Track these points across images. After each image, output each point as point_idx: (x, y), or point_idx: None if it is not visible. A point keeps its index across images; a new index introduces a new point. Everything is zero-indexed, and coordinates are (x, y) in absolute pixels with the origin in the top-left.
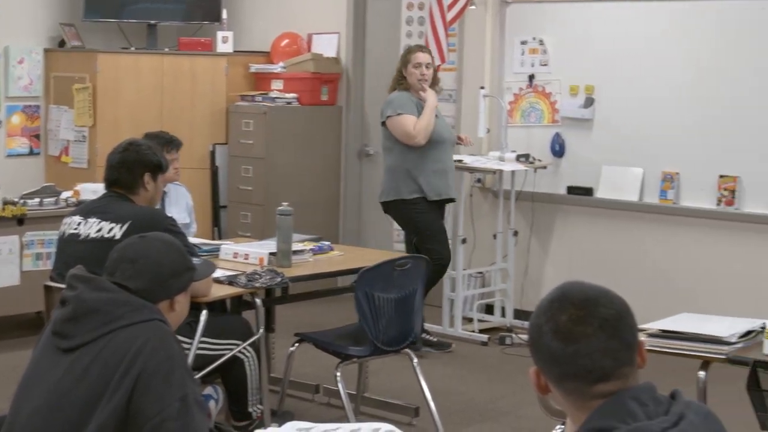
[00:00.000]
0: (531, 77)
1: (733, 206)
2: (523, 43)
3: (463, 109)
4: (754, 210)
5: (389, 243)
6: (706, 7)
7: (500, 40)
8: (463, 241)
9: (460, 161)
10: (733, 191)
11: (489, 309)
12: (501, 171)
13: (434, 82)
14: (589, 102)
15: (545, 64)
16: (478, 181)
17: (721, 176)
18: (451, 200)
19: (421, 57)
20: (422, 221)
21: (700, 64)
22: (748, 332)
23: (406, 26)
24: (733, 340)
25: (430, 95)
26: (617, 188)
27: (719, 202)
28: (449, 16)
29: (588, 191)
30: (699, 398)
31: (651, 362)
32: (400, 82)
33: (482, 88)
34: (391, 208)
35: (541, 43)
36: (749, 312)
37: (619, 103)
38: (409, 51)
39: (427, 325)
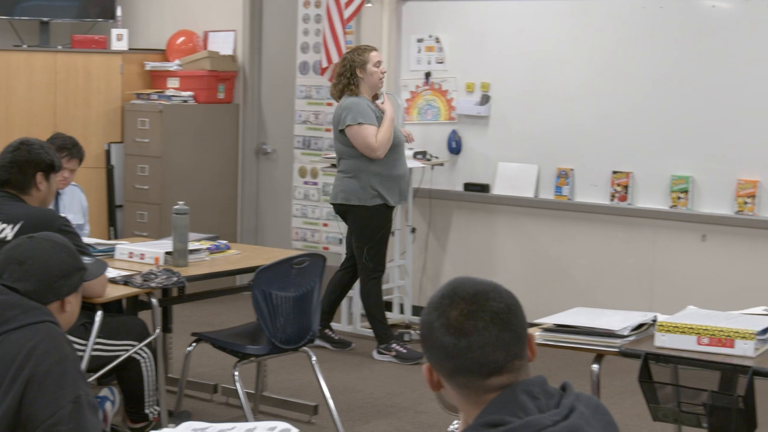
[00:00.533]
0: (427, 75)
1: (626, 202)
2: (420, 40)
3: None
4: (646, 205)
5: (287, 241)
6: (600, 7)
7: (397, 37)
8: None
9: None
10: (626, 187)
11: (388, 306)
12: None
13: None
14: (485, 99)
15: (441, 62)
16: None
17: (615, 172)
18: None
19: (378, 55)
20: (378, 228)
21: (594, 62)
22: (640, 325)
23: (303, 24)
24: (626, 333)
25: (388, 106)
26: (513, 185)
27: (613, 197)
28: (346, 13)
29: (484, 188)
30: (593, 391)
31: (547, 356)
32: (351, 86)
33: None
34: (348, 212)
35: (437, 41)
36: (642, 305)
37: (514, 101)
38: (363, 51)
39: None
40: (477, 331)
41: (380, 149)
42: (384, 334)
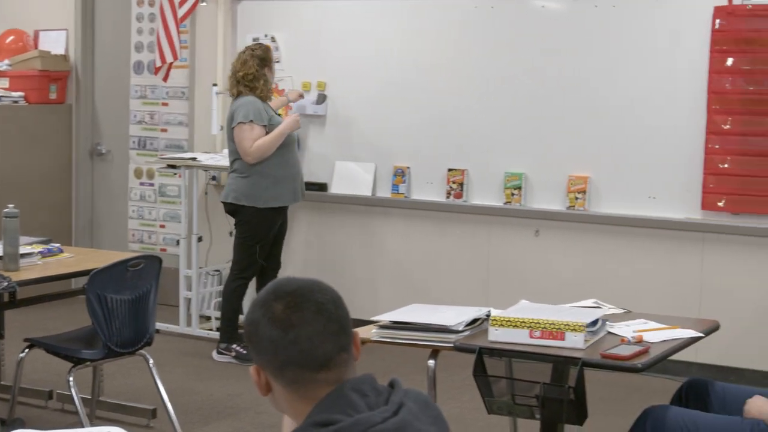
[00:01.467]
0: None
1: (462, 199)
2: (255, 40)
3: (196, 107)
4: (481, 202)
5: (124, 243)
6: (433, 6)
7: (232, 37)
8: (200, 239)
9: (194, 159)
10: (461, 184)
11: None
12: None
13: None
14: (322, 98)
15: (278, 61)
16: (213, 178)
17: (450, 170)
18: None
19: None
20: (268, 229)
21: (428, 61)
22: (475, 320)
23: (136, 23)
24: (460, 328)
25: (289, 119)
26: (350, 183)
27: (448, 195)
28: (180, 12)
29: (322, 187)
30: (429, 386)
31: (385, 353)
32: (251, 85)
33: (215, 85)
34: (238, 211)
35: (273, 40)
36: (478, 300)
37: (351, 100)
38: (268, 49)
39: (162, 325)
40: (304, 321)
41: (252, 156)
42: (230, 335)
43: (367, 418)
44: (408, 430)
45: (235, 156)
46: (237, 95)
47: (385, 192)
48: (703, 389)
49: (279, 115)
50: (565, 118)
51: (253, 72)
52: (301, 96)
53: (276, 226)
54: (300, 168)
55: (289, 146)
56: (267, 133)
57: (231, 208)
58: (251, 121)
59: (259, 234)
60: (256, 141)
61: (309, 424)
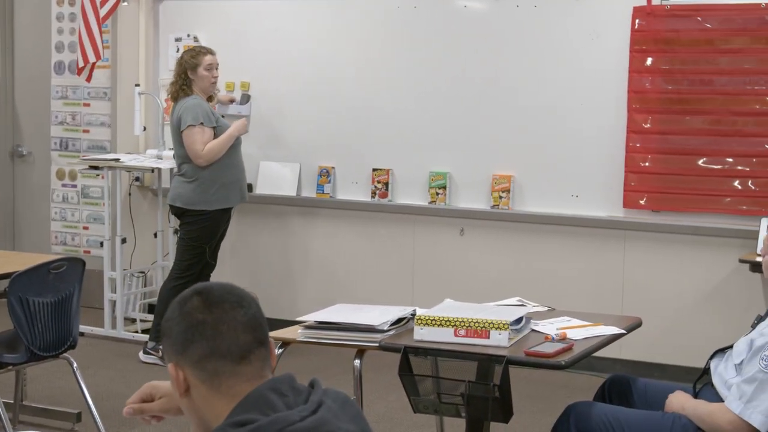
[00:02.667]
0: None
1: (387, 198)
2: (178, 39)
3: (119, 107)
4: (406, 201)
5: (47, 245)
6: (357, 6)
7: (154, 36)
8: (123, 240)
9: (117, 160)
10: (386, 184)
11: (152, 308)
12: (159, 169)
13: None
14: (246, 99)
15: None
16: (137, 179)
17: (375, 170)
18: None
19: (211, 59)
20: (215, 231)
21: (351, 61)
22: (400, 319)
23: (57, 22)
24: (386, 328)
25: (237, 123)
26: (275, 184)
27: (374, 194)
28: (102, 12)
29: (248, 187)
30: (356, 386)
31: (312, 353)
32: (184, 87)
33: (137, 85)
34: (185, 214)
35: (196, 39)
36: (404, 300)
37: (274, 100)
38: (197, 53)
39: (87, 328)
40: (224, 312)
41: (204, 159)
42: (160, 335)
43: (285, 417)
44: (327, 428)
45: (183, 159)
46: (176, 98)
47: (310, 192)
48: (625, 385)
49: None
50: (489, 117)
51: (183, 74)
52: (232, 100)
53: (223, 226)
54: (244, 169)
55: (235, 148)
56: (215, 135)
57: (178, 211)
58: (201, 123)
59: (206, 236)
60: (207, 144)
61: (227, 424)
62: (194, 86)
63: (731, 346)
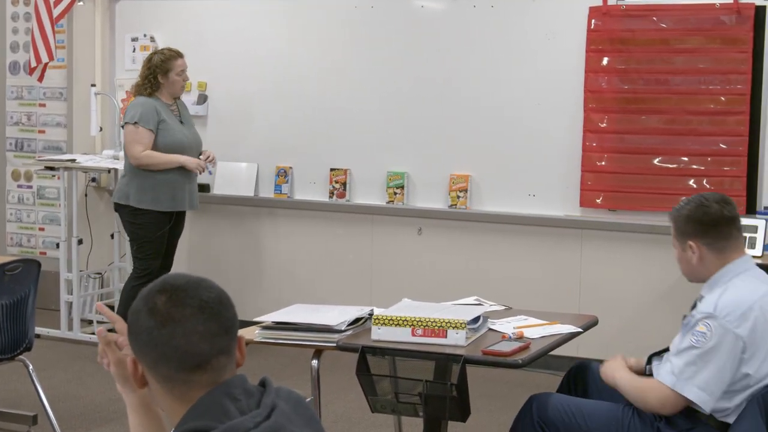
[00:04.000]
0: None
1: (345, 198)
2: (134, 39)
3: (75, 108)
4: (364, 201)
5: (2, 247)
6: (314, 6)
7: (110, 36)
8: (80, 241)
9: (73, 160)
10: (344, 184)
11: (111, 309)
12: (116, 170)
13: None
14: (203, 99)
15: None
16: (93, 180)
17: (332, 170)
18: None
19: (183, 63)
20: (150, 231)
21: (309, 61)
22: (358, 319)
23: (11, 22)
24: (343, 327)
25: (192, 160)
26: (233, 184)
27: (331, 194)
28: (56, 12)
29: (205, 188)
30: (313, 386)
31: (270, 354)
32: (150, 89)
33: (93, 85)
34: (122, 211)
35: (153, 39)
36: (362, 299)
37: (232, 100)
38: (169, 57)
39: (43, 330)
40: (183, 318)
41: (138, 162)
42: None
43: (238, 424)
44: None
45: (126, 155)
46: (137, 96)
47: (268, 192)
48: (583, 372)
49: (181, 123)
50: (446, 117)
51: (152, 77)
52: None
53: (166, 229)
54: (191, 174)
55: (188, 151)
56: (155, 135)
57: (117, 208)
58: (136, 123)
59: (144, 233)
60: (149, 152)
61: (181, 431)
62: (163, 89)
63: (667, 349)
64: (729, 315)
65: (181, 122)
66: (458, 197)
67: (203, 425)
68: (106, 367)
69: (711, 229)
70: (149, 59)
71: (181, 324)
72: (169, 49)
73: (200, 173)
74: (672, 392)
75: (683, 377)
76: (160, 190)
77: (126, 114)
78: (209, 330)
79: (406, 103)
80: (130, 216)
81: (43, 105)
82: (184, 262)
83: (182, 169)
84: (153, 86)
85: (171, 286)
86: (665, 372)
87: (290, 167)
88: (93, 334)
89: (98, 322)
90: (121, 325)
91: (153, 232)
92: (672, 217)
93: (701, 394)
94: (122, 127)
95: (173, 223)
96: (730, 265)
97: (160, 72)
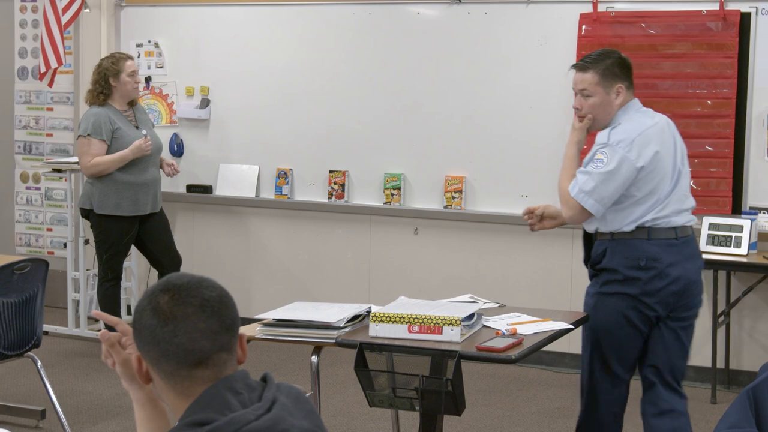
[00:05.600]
0: (148, 79)
1: (343, 199)
2: (139, 45)
3: (81, 112)
4: (362, 202)
5: (11, 247)
6: (312, 13)
7: (116, 42)
8: (86, 241)
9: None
10: (342, 185)
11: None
12: None
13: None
14: (205, 103)
15: (161, 67)
16: None
17: (331, 171)
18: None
19: (132, 64)
20: (112, 236)
21: (308, 66)
22: (356, 317)
23: (20, 29)
24: (342, 324)
25: (134, 145)
26: (235, 185)
27: (330, 195)
28: (64, 19)
29: (207, 189)
30: (313, 381)
31: (271, 350)
32: (102, 94)
33: None
34: (87, 216)
35: (157, 45)
36: (360, 297)
37: (233, 104)
38: (118, 60)
39: (51, 327)
40: (185, 316)
41: (88, 173)
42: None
43: (241, 416)
44: (282, 426)
45: None
46: (90, 104)
47: (268, 193)
48: None
49: (137, 128)
50: (442, 121)
51: (104, 82)
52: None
53: (133, 233)
54: (153, 179)
55: (146, 157)
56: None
57: (83, 213)
58: (89, 135)
59: (107, 238)
60: (96, 159)
61: (183, 425)
62: (115, 93)
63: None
64: (620, 143)
65: (137, 127)
66: (453, 198)
67: (206, 417)
68: (111, 366)
69: (630, 73)
70: (99, 64)
71: (183, 322)
72: (118, 53)
73: (142, 154)
74: (575, 202)
75: (582, 191)
76: (122, 195)
77: (79, 126)
78: (210, 327)
79: (402, 107)
80: (94, 221)
81: (51, 109)
82: (186, 262)
83: (146, 173)
84: (105, 91)
85: (174, 286)
86: (572, 184)
87: (290, 169)
88: (99, 330)
89: None
90: (122, 326)
91: (118, 237)
92: (592, 65)
93: (597, 205)
94: (77, 139)
95: (149, 223)
96: (624, 107)
97: (110, 74)
